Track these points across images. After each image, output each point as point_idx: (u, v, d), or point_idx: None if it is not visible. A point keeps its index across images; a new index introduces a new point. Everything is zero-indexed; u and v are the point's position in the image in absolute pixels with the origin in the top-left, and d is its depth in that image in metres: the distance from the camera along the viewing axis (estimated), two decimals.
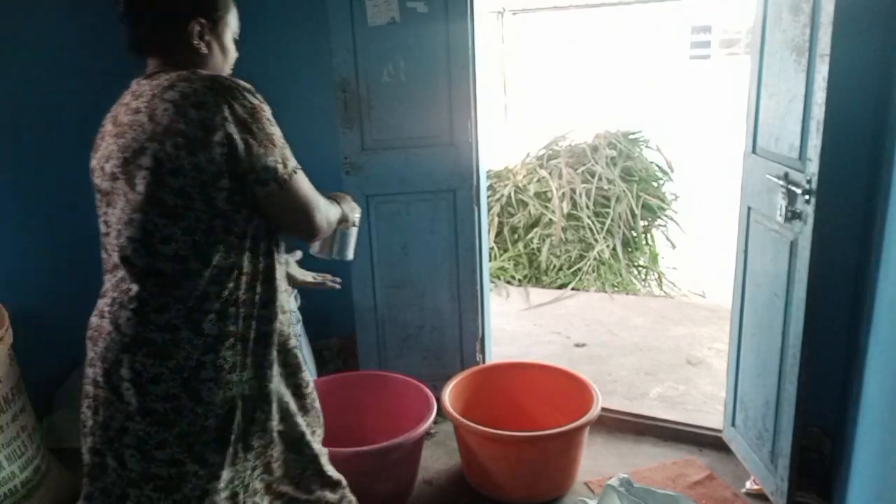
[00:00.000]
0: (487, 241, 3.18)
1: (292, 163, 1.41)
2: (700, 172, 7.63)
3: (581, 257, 4.71)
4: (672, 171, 5.20)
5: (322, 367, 2.96)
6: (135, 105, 1.36)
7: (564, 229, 4.77)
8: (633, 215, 4.83)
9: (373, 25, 2.54)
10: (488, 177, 4.60)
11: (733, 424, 2.42)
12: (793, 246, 1.96)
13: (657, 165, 5.17)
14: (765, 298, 2.16)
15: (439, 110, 2.61)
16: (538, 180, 5.03)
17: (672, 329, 3.69)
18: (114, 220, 1.36)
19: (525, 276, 4.71)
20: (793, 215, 1.93)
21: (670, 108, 12.24)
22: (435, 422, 2.64)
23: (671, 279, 4.80)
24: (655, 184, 5.07)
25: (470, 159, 2.64)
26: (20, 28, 2.50)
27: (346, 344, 3.05)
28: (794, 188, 1.90)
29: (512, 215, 4.96)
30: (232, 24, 1.57)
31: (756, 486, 2.27)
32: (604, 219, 4.78)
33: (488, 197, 4.48)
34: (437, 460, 2.56)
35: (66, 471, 2.34)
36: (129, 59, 1.51)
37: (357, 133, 2.64)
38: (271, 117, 1.38)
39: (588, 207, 4.80)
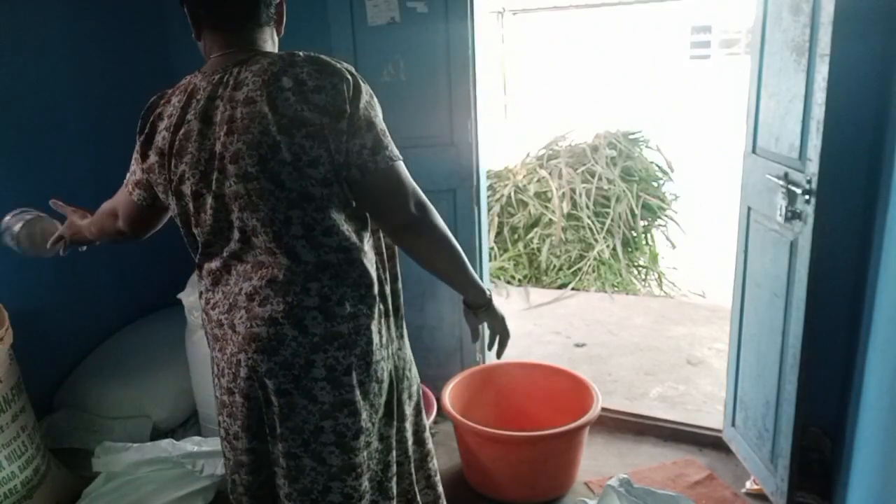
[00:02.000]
0: (487, 241, 3.18)
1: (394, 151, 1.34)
2: (700, 172, 7.63)
3: (581, 257, 4.71)
4: (672, 171, 5.20)
5: None
6: (244, 95, 1.26)
7: (564, 229, 4.77)
8: (633, 215, 4.83)
9: (373, 25, 2.54)
10: (488, 177, 4.60)
11: (733, 424, 2.42)
12: (793, 246, 1.96)
13: (657, 165, 5.17)
14: (765, 298, 2.16)
15: (439, 110, 2.61)
16: (538, 180, 5.04)
17: (672, 329, 3.69)
18: (258, 222, 1.28)
19: (525, 276, 4.71)
20: (793, 215, 1.93)
21: (670, 108, 12.25)
22: (435, 422, 2.64)
23: (671, 279, 4.80)
24: (655, 184, 5.07)
25: (470, 159, 2.64)
26: (22, 27, 2.50)
27: None
28: (794, 188, 1.90)
29: (512, 215, 4.96)
30: None
31: (756, 486, 2.27)
32: (604, 219, 4.79)
33: (488, 197, 4.48)
34: (437, 460, 2.55)
35: (66, 471, 2.34)
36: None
37: None
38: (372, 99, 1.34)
39: (588, 207, 4.80)
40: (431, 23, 2.52)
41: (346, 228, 1.31)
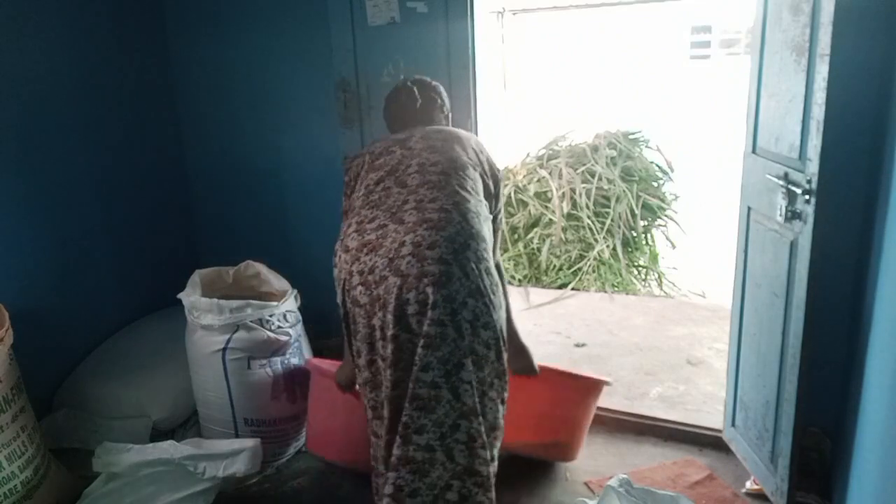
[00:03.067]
0: None
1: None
2: (700, 172, 7.63)
3: (581, 257, 4.71)
4: (672, 171, 5.20)
5: None
6: (437, 136, 1.99)
7: (564, 229, 4.77)
8: (633, 215, 4.83)
9: (373, 25, 2.54)
10: None
11: (733, 424, 2.42)
12: (793, 246, 1.96)
13: (657, 165, 5.16)
14: (765, 298, 2.16)
15: None
16: (538, 180, 5.03)
17: (672, 329, 3.69)
18: (441, 193, 1.78)
19: (525, 276, 4.71)
20: (793, 215, 1.93)
21: (670, 108, 12.24)
22: None
23: (671, 279, 4.80)
24: (655, 184, 5.06)
25: None
26: (23, 28, 2.50)
27: None
28: (794, 188, 1.90)
29: (512, 215, 4.96)
30: None
31: (756, 486, 2.27)
32: (604, 219, 4.78)
33: None
34: None
35: (66, 471, 2.34)
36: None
37: (357, 133, 2.64)
38: None
39: (588, 207, 4.80)
40: (431, 23, 2.52)
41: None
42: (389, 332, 1.65)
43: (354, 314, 1.75)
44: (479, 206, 1.83)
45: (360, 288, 1.70)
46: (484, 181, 1.95)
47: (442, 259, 1.64)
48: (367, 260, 1.69)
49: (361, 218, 1.79)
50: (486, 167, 2.00)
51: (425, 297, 1.62)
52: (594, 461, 2.51)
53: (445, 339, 1.62)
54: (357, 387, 1.95)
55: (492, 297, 1.70)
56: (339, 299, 1.82)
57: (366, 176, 1.95)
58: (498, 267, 1.95)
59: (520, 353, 2.19)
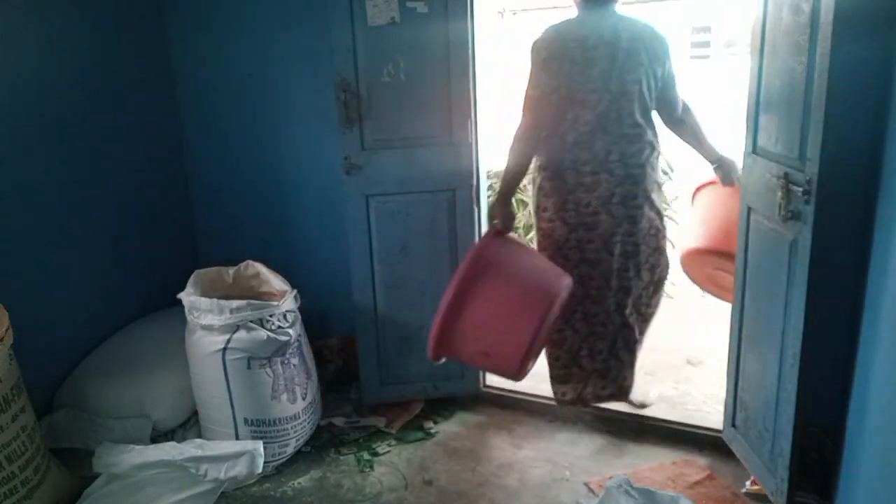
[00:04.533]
0: None
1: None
2: (700, 172, 7.61)
3: None
4: (672, 171, 5.19)
5: (322, 367, 2.96)
6: (627, 35, 2.36)
7: None
8: None
9: (373, 25, 2.54)
10: (488, 177, 4.57)
11: (733, 424, 2.42)
12: (793, 246, 1.96)
13: None
14: (765, 298, 2.16)
15: (439, 110, 2.61)
16: None
17: (672, 329, 3.68)
18: (637, 109, 2.38)
19: None
20: (792, 215, 1.93)
21: None
22: (435, 421, 2.64)
23: (671, 279, 4.78)
24: None
25: (470, 159, 2.64)
26: (21, 26, 2.50)
27: (346, 344, 3.05)
28: (793, 188, 1.91)
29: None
30: None
31: (756, 487, 2.27)
32: None
33: (488, 197, 4.47)
34: (437, 461, 2.56)
35: (66, 471, 2.34)
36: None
37: (357, 133, 2.64)
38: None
39: None
40: (431, 23, 2.52)
41: None
42: (590, 249, 2.47)
43: (556, 226, 2.50)
44: (658, 142, 2.48)
45: (572, 212, 2.44)
46: (656, 91, 2.44)
47: (638, 205, 2.43)
48: (583, 197, 2.42)
49: (574, 157, 2.39)
50: (662, 76, 2.43)
51: (627, 230, 2.46)
52: (594, 461, 2.51)
53: (640, 219, 2.46)
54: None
55: (660, 209, 2.54)
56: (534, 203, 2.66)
57: (570, 88, 2.34)
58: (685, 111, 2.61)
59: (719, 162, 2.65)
